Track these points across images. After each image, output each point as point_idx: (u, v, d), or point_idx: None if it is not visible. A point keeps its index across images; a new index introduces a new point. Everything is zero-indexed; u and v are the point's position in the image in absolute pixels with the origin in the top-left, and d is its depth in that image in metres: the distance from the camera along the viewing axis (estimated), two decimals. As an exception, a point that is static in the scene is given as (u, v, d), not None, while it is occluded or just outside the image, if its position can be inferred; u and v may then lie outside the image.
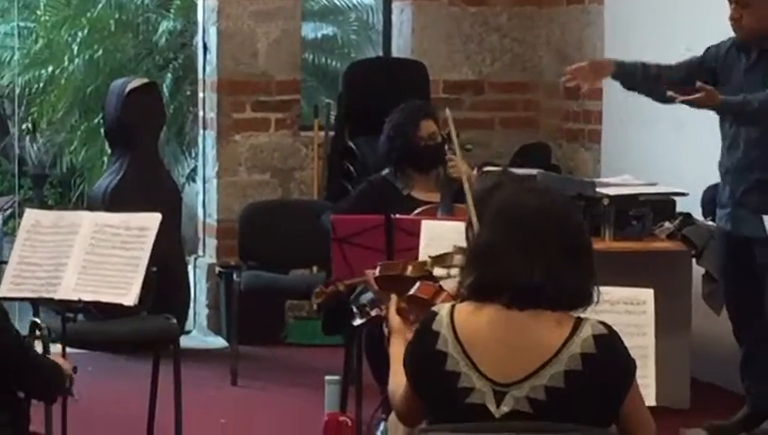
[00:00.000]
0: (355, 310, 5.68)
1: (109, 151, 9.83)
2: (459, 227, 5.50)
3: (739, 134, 6.42)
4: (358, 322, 5.47)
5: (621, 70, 6.75)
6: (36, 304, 6.01)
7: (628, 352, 3.65)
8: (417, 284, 4.90)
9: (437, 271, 5.40)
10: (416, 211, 6.82)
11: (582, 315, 3.63)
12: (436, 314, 3.70)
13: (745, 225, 6.32)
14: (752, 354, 6.46)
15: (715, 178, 7.34)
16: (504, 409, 3.54)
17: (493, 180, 5.13)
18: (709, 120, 6.90)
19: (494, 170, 6.02)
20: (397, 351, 4.00)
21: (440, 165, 7.24)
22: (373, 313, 5.15)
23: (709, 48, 6.63)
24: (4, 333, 4.73)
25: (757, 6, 6.31)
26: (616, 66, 6.77)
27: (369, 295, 6.58)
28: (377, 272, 5.61)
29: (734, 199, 6.45)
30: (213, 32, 9.67)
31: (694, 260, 7.59)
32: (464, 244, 5.10)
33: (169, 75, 13.20)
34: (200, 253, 9.94)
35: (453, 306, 3.70)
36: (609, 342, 3.59)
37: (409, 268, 5.55)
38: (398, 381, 3.86)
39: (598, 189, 7.55)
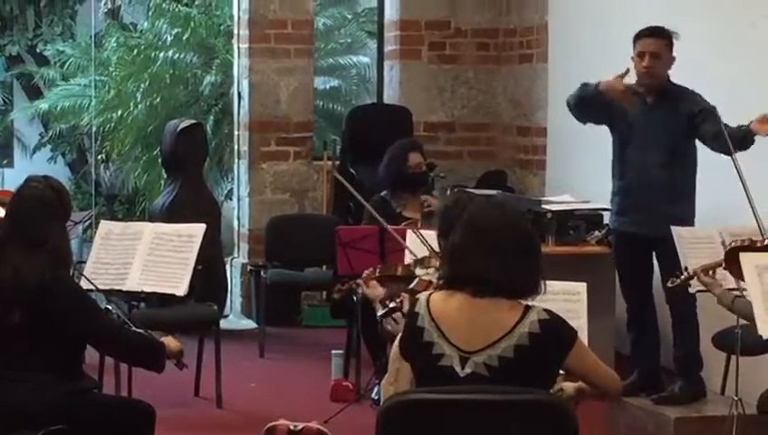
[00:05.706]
0: (378, 304, 5.64)
1: (164, 176, 9.81)
2: (433, 236, 5.50)
3: (648, 160, 6.36)
4: (380, 312, 5.38)
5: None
6: (108, 294, 6.00)
7: (568, 327, 3.62)
8: (416, 280, 4.98)
9: (418, 271, 5.42)
10: (403, 223, 6.83)
11: (531, 303, 3.60)
12: (417, 299, 3.70)
13: (651, 226, 6.28)
14: (637, 339, 6.56)
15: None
16: (467, 370, 3.53)
17: (452, 197, 5.14)
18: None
19: (455, 192, 6.02)
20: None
21: (424, 188, 7.23)
22: (391, 305, 5.09)
23: None
24: (98, 314, 4.63)
25: (663, 56, 6.32)
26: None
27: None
28: (377, 272, 5.64)
29: (642, 207, 6.40)
30: (245, 84, 9.66)
31: (617, 260, 7.59)
32: (437, 249, 5.13)
33: (212, 117, 13.21)
34: (235, 254, 9.92)
35: (430, 294, 3.69)
36: (550, 324, 3.56)
37: (399, 269, 5.59)
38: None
39: (543, 206, 7.55)
